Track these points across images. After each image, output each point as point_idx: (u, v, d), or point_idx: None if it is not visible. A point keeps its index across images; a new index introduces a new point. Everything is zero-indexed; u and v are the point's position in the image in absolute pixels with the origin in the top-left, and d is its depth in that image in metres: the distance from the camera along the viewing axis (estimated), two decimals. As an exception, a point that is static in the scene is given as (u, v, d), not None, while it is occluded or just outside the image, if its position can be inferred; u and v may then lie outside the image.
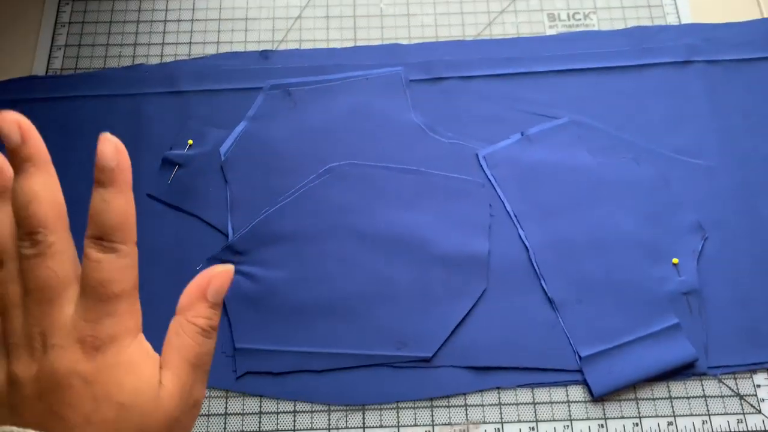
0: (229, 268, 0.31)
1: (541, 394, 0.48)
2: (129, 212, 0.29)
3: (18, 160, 0.27)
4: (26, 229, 0.27)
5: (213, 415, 0.47)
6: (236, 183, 0.54)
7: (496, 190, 0.54)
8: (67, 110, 0.58)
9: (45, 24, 0.61)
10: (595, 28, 0.61)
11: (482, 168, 0.55)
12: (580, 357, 0.48)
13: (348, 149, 0.55)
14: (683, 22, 0.60)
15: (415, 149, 0.56)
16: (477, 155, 0.55)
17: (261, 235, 0.52)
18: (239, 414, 0.47)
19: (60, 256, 0.28)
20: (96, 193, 0.29)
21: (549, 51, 0.59)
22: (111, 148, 0.30)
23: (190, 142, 0.56)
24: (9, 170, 0.29)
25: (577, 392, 0.48)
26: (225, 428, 0.47)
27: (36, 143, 0.28)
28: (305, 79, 0.58)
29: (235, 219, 0.53)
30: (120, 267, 0.28)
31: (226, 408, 0.48)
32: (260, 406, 0.48)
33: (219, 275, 0.31)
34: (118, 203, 0.28)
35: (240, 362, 0.48)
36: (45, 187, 0.28)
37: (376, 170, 0.54)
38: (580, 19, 0.61)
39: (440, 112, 0.57)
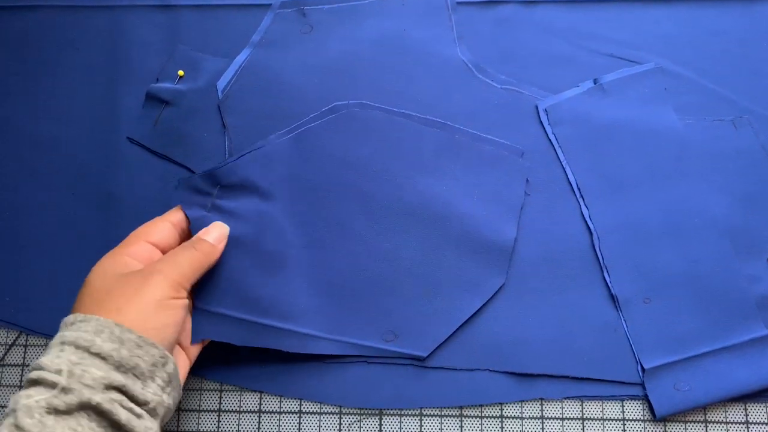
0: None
1: (592, 408, 0.40)
2: (196, 277, 0.38)
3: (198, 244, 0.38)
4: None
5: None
6: (237, 129, 0.44)
7: (557, 154, 0.44)
8: (26, 23, 0.47)
9: None
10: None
11: (542, 124, 0.44)
12: (642, 368, 0.40)
13: (374, 90, 0.45)
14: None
15: (457, 95, 0.45)
16: (537, 107, 0.44)
17: (246, 173, 0.42)
18: (235, 411, 0.41)
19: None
20: (188, 249, 0.37)
21: (637, -28, 0.47)
22: (220, 232, 0.39)
23: (181, 73, 0.45)
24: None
25: (635, 409, 0.40)
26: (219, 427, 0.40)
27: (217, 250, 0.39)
28: (325, -5, 0.47)
29: (234, 174, 0.43)
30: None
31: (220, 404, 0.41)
32: (260, 404, 0.41)
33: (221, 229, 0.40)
34: (193, 266, 0.37)
35: (197, 325, 0.39)
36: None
37: (391, 117, 0.44)
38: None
39: (493, 48, 0.46)
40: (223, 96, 0.45)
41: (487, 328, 0.41)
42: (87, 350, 0.31)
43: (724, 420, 0.40)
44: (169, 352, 0.34)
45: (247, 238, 0.41)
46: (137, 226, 0.43)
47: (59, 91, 0.46)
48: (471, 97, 0.45)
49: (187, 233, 0.40)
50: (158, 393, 0.32)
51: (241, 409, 0.41)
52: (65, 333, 0.32)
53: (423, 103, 0.45)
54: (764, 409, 0.40)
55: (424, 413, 0.40)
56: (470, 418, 0.40)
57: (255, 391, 0.41)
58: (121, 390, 0.31)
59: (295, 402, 0.41)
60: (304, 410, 0.41)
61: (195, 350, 0.38)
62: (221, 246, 0.39)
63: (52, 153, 0.45)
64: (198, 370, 0.40)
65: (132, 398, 0.31)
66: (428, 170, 0.43)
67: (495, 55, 0.46)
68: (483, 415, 0.40)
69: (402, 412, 0.40)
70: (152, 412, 0.32)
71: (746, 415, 0.40)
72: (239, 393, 0.41)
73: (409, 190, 0.43)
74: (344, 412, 0.41)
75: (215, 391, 0.41)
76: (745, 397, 0.40)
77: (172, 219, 0.39)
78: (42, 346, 0.43)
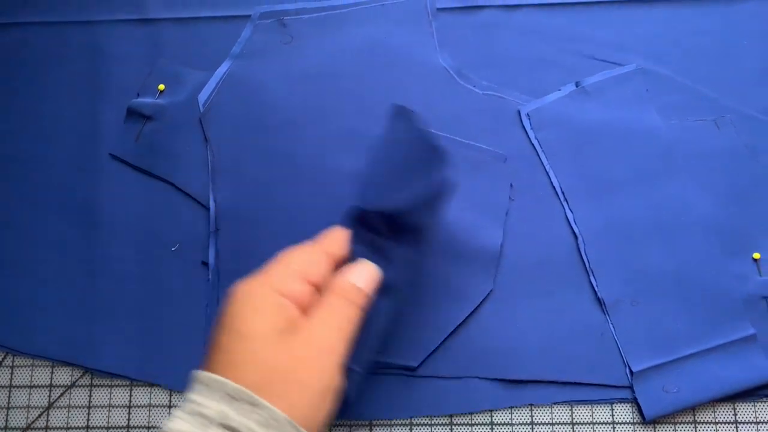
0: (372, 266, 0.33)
1: (582, 413, 0.40)
2: (349, 336, 0.30)
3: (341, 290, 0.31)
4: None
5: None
6: (219, 142, 0.44)
7: (540, 159, 0.43)
8: (7, 40, 0.47)
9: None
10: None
11: (524, 129, 0.44)
12: (631, 371, 0.40)
13: (355, 98, 0.45)
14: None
15: (439, 101, 0.45)
16: (519, 112, 0.44)
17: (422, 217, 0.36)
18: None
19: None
20: (332, 297, 0.31)
21: (616, -27, 0.47)
22: (370, 274, 0.32)
23: (162, 87, 0.45)
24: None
25: (624, 412, 0.40)
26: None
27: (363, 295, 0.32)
28: (304, 4, 0.47)
29: (218, 187, 0.43)
30: None
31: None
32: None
33: (370, 269, 0.33)
34: (341, 325, 0.30)
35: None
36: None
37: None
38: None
39: (474, 53, 0.46)
40: (205, 109, 0.44)
41: (475, 335, 0.41)
42: None
43: (713, 420, 0.40)
44: None
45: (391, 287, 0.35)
46: (122, 242, 0.43)
47: (39, 108, 0.46)
48: (453, 103, 0.45)
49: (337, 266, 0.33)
50: None
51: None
52: (231, 414, 0.26)
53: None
54: (753, 408, 0.40)
55: (414, 423, 0.40)
56: (460, 426, 0.40)
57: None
58: None
59: (284, 415, 0.41)
60: (293, 423, 0.41)
61: None
62: (371, 293, 0.32)
63: (33, 171, 0.45)
64: (172, 383, 0.40)
65: None
66: None
67: (476, 60, 0.46)
68: (473, 422, 0.40)
69: (392, 423, 0.40)
70: None
71: (735, 415, 0.40)
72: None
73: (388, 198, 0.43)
74: (335, 424, 0.40)
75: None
76: (734, 397, 0.40)
77: (331, 250, 0.32)
78: (27, 367, 0.42)
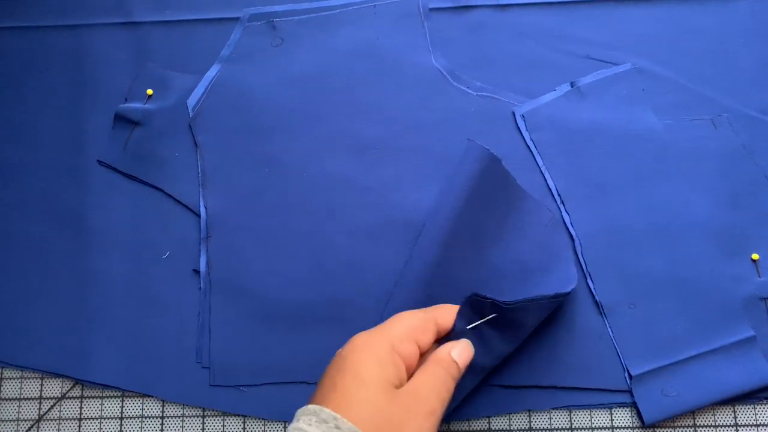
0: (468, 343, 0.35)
1: (581, 418, 0.40)
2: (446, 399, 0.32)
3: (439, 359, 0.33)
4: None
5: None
6: (209, 147, 0.43)
7: (536, 161, 0.43)
8: (-10, 46, 0.46)
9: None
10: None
11: (519, 130, 0.43)
12: (630, 375, 0.40)
13: (347, 101, 0.44)
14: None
15: (432, 103, 0.44)
16: (513, 113, 0.44)
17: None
18: (219, 437, 0.40)
19: None
20: (432, 367, 0.33)
21: (610, -29, 0.46)
22: (467, 357, 0.34)
23: (150, 92, 0.44)
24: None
25: (623, 416, 0.40)
26: (202, 453, 0.40)
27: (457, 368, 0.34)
28: (294, 5, 0.46)
29: (208, 194, 0.42)
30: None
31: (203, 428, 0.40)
32: (243, 427, 0.40)
33: (468, 347, 0.35)
34: (451, 388, 0.33)
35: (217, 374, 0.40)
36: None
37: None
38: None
39: (468, 53, 0.45)
40: (194, 114, 0.44)
41: (471, 341, 0.41)
42: None
43: (713, 424, 0.40)
44: None
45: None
46: (111, 251, 0.43)
47: (23, 114, 0.45)
48: (447, 105, 0.44)
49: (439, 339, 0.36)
50: None
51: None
52: None
53: (398, 113, 0.44)
54: (753, 411, 0.40)
55: (411, 430, 0.40)
56: (458, 433, 0.40)
57: (238, 415, 0.40)
58: None
59: (278, 425, 0.40)
60: (288, 432, 0.40)
61: None
62: (467, 360, 0.34)
63: (19, 179, 0.44)
64: (178, 396, 0.40)
65: None
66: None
67: (470, 60, 0.45)
68: (471, 429, 0.40)
69: (388, 430, 0.40)
70: None
71: (735, 418, 0.40)
72: (222, 418, 0.40)
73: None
74: (330, 432, 0.40)
75: (197, 417, 0.40)
76: (734, 400, 0.39)
77: (441, 322, 0.35)
78: (17, 379, 0.42)
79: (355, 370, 0.31)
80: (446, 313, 0.35)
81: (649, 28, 0.45)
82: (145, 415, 0.41)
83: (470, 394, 0.39)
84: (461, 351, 0.34)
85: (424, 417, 0.31)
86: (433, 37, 0.45)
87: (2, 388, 0.42)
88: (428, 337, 0.34)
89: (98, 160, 0.44)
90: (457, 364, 0.33)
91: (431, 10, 0.46)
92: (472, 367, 0.35)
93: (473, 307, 0.36)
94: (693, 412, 0.40)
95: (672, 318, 0.40)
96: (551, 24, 0.45)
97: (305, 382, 0.40)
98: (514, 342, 0.38)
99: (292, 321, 0.41)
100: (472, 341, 0.35)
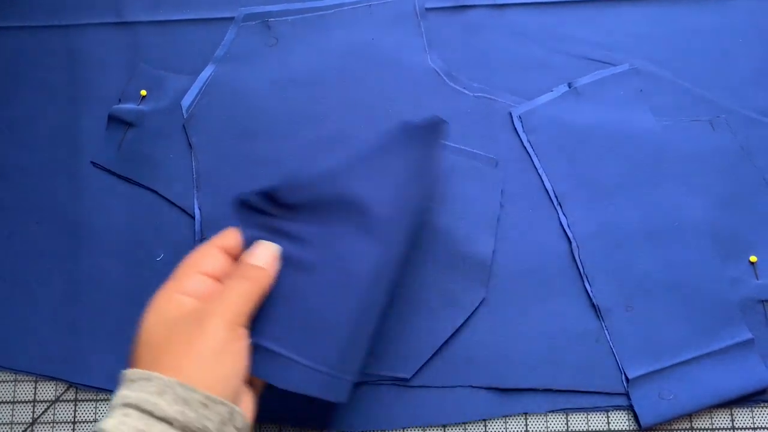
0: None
1: (577, 421, 0.40)
2: (251, 309, 0.33)
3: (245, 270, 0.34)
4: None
5: None
6: (203, 148, 0.43)
7: (533, 162, 0.43)
8: (-20, 46, 0.46)
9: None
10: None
11: (516, 131, 0.43)
12: (626, 378, 0.39)
13: (343, 102, 0.44)
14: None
15: (428, 104, 0.44)
16: (510, 114, 0.43)
17: (310, 191, 0.36)
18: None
19: None
20: (237, 279, 0.33)
21: (608, -30, 0.46)
22: (269, 254, 0.35)
23: (144, 92, 0.44)
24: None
25: (620, 419, 0.40)
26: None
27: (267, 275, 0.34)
28: (289, 5, 0.45)
29: (203, 195, 0.42)
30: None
31: None
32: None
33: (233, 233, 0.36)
34: (247, 297, 0.33)
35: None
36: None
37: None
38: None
39: (464, 54, 0.45)
40: (188, 115, 0.43)
41: (468, 343, 0.40)
42: (152, 414, 0.29)
43: (710, 427, 0.39)
44: (236, 397, 0.31)
45: (309, 263, 0.35)
46: (106, 253, 0.42)
47: (17, 115, 0.44)
48: (443, 106, 0.44)
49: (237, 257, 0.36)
50: None
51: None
52: (128, 393, 0.30)
53: (394, 113, 0.43)
54: (750, 413, 0.40)
55: (407, 433, 0.40)
56: (454, 437, 0.40)
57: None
58: None
59: (274, 428, 0.40)
60: (284, 436, 0.40)
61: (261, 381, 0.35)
62: (273, 270, 0.34)
63: (12, 181, 0.44)
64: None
65: None
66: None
67: (466, 61, 0.45)
68: (467, 432, 0.40)
69: (385, 433, 0.40)
70: None
71: (732, 421, 0.39)
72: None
73: (377, 203, 0.42)
74: (326, 435, 0.40)
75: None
76: (731, 403, 0.39)
77: (224, 244, 0.35)
78: (10, 382, 0.41)
79: (143, 337, 0.32)
80: (225, 234, 0.36)
81: (646, 29, 0.45)
82: (140, 419, 0.40)
83: (466, 397, 0.39)
84: (257, 253, 0.34)
85: (210, 322, 0.31)
86: (429, 37, 0.45)
87: (-4, 391, 0.41)
88: (215, 262, 0.34)
89: (92, 162, 0.43)
90: (255, 266, 0.34)
91: (427, 9, 0.45)
92: (299, 263, 0.34)
93: (250, 208, 0.36)
94: (690, 415, 0.39)
95: (669, 320, 0.40)
96: (548, 24, 0.45)
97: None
98: (315, 218, 0.36)
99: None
100: (272, 239, 0.35)
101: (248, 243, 0.35)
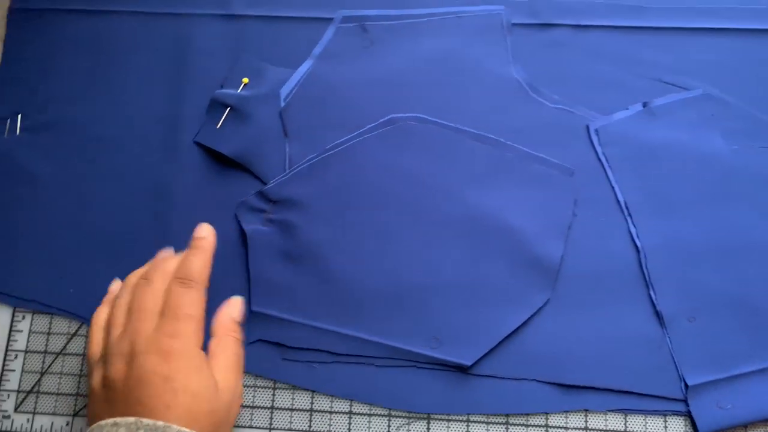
0: (240, 299, 0.41)
1: (635, 422, 0.41)
2: (204, 267, 0.38)
3: (193, 242, 0.40)
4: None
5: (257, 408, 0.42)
6: (296, 135, 0.46)
7: (606, 173, 0.45)
8: (99, 27, 0.49)
9: None
10: (746, -24, 0.49)
11: (592, 144, 0.45)
12: (686, 385, 0.41)
13: (429, 104, 0.46)
14: None
15: (510, 112, 0.46)
16: (588, 127, 0.46)
17: (300, 185, 0.44)
18: (288, 409, 0.42)
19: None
20: (188, 250, 0.39)
21: (685, 3, 0.48)
22: (208, 229, 0.40)
23: (245, 80, 0.47)
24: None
25: (677, 425, 0.41)
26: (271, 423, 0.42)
27: (209, 241, 0.40)
28: (385, 11, 0.49)
29: (293, 180, 0.45)
30: (191, 299, 0.37)
31: (273, 401, 0.42)
32: (311, 404, 0.42)
33: (240, 303, 0.40)
34: (198, 260, 0.38)
35: (253, 328, 0.42)
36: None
37: (444, 132, 0.45)
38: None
39: (546, 69, 0.47)
40: (286, 104, 0.46)
41: (532, 340, 0.42)
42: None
43: (765, 439, 0.41)
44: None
45: (301, 248, 0.43)
46: (197, 221, 0.44)
47: (125, 93, 0.47)
48: (524, 115, 0.46)
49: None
50: None
51: (294, 407, 0.42)
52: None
53: (477, 119, 0.46)
54: (805, 430, 0.41)
55: (471, 419, 0.41)
56: (516, 426, 0.41)
57: (307, 390, 0.42)
58: None
59: (345, 403, 0.42)
60: (354, 411, 0.42)
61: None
62: (213, 237, 0.39)
63: (117, 153, 0.46)
64: (252, 368, 0.42)
65: None
66: (479, 185, 0.44)
67: (547, 76, 0.47)
68: (529, 423, 0.41)
69: (449, 417, 0.41)
70: None
71: (787, 436, 0.41)
72: (291, 391, 0.42)
73: (459, 203, 0.44)
74: (393, 414, 0.42)
75: (268, 388, 0.42)
76: (787, 418, 0.41)
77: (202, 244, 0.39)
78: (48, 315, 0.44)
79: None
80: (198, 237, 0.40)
81: (718, 57, 0.47)
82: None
83: (529, 389, 0.41)
84: (199, 229, 0.40)
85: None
86: (514, 50, 0.48)
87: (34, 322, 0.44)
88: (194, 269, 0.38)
89: (194, 141, 0.46)
90: (198, 237, 0.39)
91: (514, 24, 0.48)
92: (295, 252, 0.43)
93: (250, 209, 0.44)
94: (746, 426, 0.41)
95: (730, 334, 0.42)
96: (626, 47, 0.48)
97: (372, 364, 0.42)
98: (312, 209, 0.44)
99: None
100: (279, 233, 0.44)
101: (251, 234, 0.43)
